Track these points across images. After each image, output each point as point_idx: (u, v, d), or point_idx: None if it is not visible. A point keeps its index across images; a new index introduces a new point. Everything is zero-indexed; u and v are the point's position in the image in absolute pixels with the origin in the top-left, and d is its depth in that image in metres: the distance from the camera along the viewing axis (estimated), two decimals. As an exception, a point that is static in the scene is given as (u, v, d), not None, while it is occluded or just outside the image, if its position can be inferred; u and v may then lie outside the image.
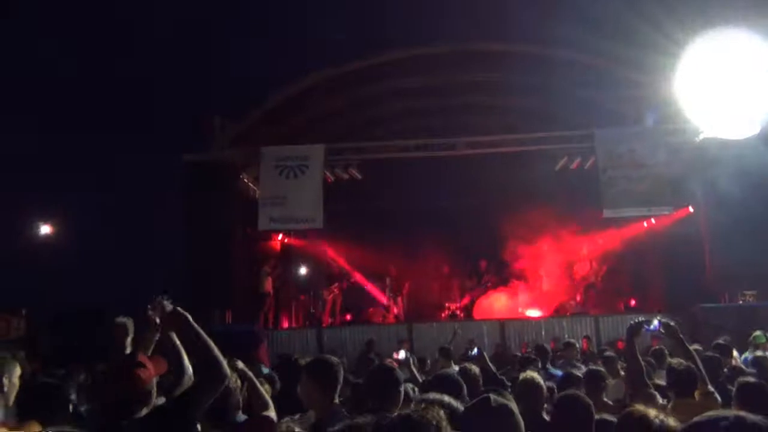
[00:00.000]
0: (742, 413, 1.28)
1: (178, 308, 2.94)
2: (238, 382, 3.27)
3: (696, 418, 1.36)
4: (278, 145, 15.40)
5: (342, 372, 3.55)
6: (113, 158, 16.25)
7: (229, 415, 3.23)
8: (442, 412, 1.38)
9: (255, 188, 16.00)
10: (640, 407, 2.20)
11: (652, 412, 2.12)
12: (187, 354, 3.07)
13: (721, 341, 7.95)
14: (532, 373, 4.76)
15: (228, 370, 2.81)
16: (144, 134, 16.25)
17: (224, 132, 15.42)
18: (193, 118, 15.98)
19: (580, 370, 6.05)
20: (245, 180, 16.10)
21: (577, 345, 10.22)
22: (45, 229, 16.31)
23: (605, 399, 5.21)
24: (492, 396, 2.40)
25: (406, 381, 4.92)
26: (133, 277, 14.92)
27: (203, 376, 2.79)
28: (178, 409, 2.66)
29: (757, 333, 8.47)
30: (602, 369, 5.86)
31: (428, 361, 8.92)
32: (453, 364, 8.12)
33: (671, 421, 2.09)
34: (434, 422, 1.35)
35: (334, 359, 3.61)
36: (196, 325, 2.86)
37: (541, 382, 4.46)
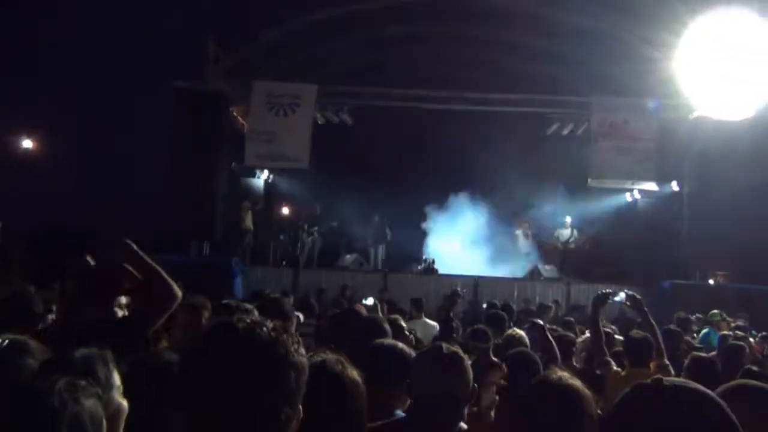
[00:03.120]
0: (682, 380, 1.30)
1: (125, 239, 3.05)
2: None
3: (631, 387, 1.36)
4: (271, 81, 15.19)
5: (293, 311, 3.61)
6: (103, 78, 15.93)
7: None
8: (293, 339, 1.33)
9: (244, 123, 15.83)
10: (553, 373, 2.27)
11: (565, 374, 2.20)
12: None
13: (683, 316, 8.13)
14: (519, 331, 4.88)
15: (179, 291, 2.93)
16: (136, 56, 15.88)
17: (217, 62, 15.14)
18: (187, 46, 15.64)
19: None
20: (234, 113, 15.90)
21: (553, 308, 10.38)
22: (27, 144, 16.08)
23: (575, 363, 5.33)
24: (444, 344, 2.54)
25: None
26: (114, 202, 14.83)
27: (156, 296, 2.91)
28: (130, 323, 2.75)
29: (714, 311, 8.70)
30: (571, 334, 5.97)
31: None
32: (423, 316, 8.28)
33: (576, 383, 2.17)
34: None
35: (287, 300, 3.68)
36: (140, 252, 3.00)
37: (526, 338, 4.55)
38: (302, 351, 1.28)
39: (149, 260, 2.94)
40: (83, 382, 1.39)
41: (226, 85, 14.96)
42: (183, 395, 1.22)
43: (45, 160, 15.88)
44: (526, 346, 4.42)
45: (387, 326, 3.64)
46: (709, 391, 1.20)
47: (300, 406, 1.27)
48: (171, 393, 1.22)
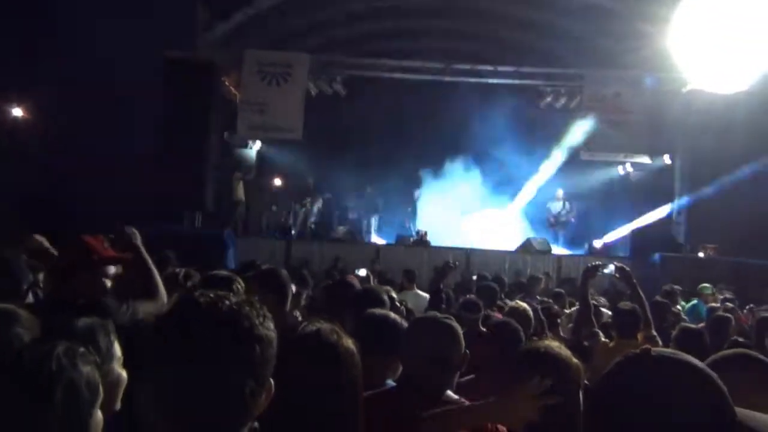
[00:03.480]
0: (671, 350, 1.31)
1: (133, 229, 3.12)
2: None
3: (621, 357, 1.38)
4: (262, 50, 15.04)
5: (290, 283, 3.65)
6: (91, 47, 15.68)
7: None
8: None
9: (237, 93, 15.69)
10: (542, 341, 2.31)
11: (554, 344, 2.23)
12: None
13: (669, 288, 8.22)
14: (522, 303, 4.93)
15: (165, 296, 2.99)
16: (126, 25, 15.64)
17: (209, 31, 14.92)
18: (178, 14, 15.38)
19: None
20: (227, 83, 15.74)
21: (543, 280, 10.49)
22: (17, 112, 15.91)
23: (561, 334, 5.40)
24: (437, 314, 2.70)
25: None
26: (105, 173, 14.72)
27: (146, 296, 3.00)
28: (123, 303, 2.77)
29: (704, 285, 8.79)
30: (556, 306, 6.04)
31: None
32: (415, 287, 8.35)
33: (564, 351, 2.21)
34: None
35: (283, 270, 3.70)
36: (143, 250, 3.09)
37: (530, 311, 4.58)
38: (269, 324, 1.28)
39: (146, 256, 3.04)
40: (82, 349, 1.42)
41: (218, 55, 14.77)
42: (148, 368, 1.22)
43: (33, 130, 15.73)
44: (531, 320, 4.47)
45: (385, 297, 3.67)
46: (696, 361, 1.22)
47: (271, 380, 1.27)
48: (140, 364, 1.24)
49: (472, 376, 3.31)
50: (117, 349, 1.79)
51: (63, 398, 1.32)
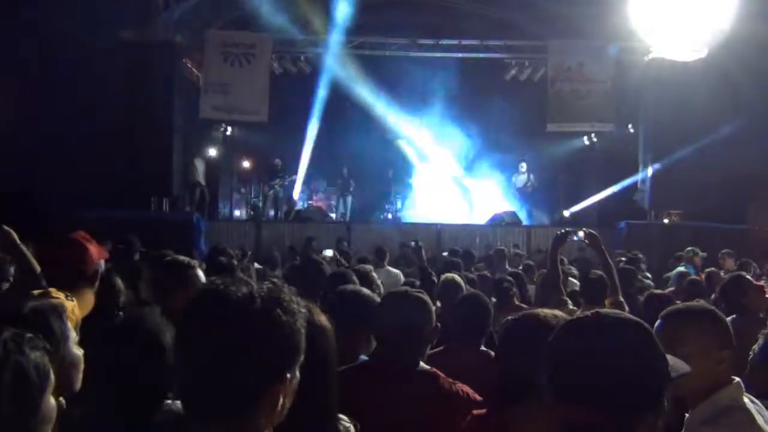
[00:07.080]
0: (604, 310, 1.39)
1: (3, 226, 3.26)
2: None
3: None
4: (224, 30, 14.79)
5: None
6: (45, 31, 15.23)
7: None
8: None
9: (199, 74, 15.41)
10: (538, 310, 2.32)
11: (549, 313, 2.22)
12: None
13: (632, 255, 8.39)
14: (453, 274, 5.00)
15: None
16: (79, 6, 15.20)
17: (167, 11, 14.55)
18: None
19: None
20: (188, 65, 15.43)
21: (507, 252, 10.59)
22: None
23: (516, 302, 5.49)
24: (409, 289, 2.78)
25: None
26: (67, 160, 14.38)
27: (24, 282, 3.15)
28: None
29: (688, 248, 8.98)
30: (509, 277, 6.05)
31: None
32: (386, 264, 8.40)
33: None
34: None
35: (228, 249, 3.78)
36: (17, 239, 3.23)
37: (461, 282, 4.66)
38: (292, 314, 1.23)
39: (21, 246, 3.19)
40: (29, 335, 1.41)
41: (178, 35, 14.41)
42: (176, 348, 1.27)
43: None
44: (459, 288, 4.61)
45: (354, 277, 3.70)
46: (637, 320, 1.32)
47: (295, 373, 1.27)
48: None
49: (441, 347, 3.35)
50: (71, 329, 1.79)
51: (11, 382, 1.33)
